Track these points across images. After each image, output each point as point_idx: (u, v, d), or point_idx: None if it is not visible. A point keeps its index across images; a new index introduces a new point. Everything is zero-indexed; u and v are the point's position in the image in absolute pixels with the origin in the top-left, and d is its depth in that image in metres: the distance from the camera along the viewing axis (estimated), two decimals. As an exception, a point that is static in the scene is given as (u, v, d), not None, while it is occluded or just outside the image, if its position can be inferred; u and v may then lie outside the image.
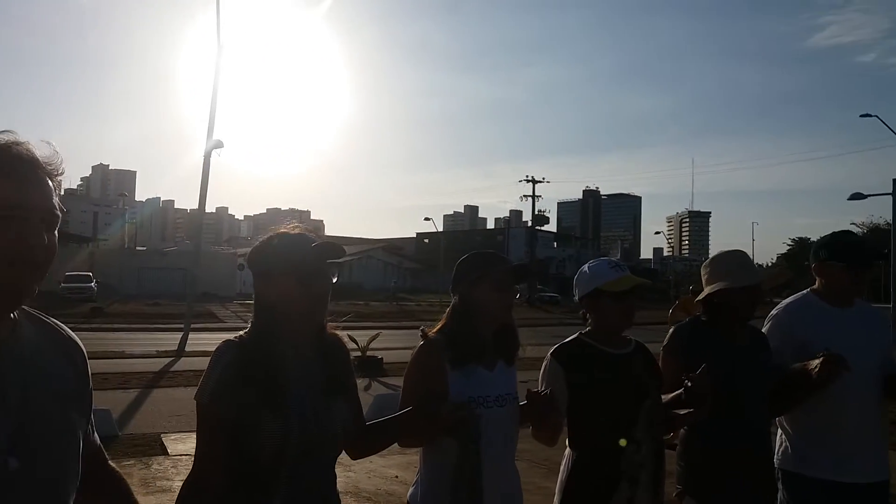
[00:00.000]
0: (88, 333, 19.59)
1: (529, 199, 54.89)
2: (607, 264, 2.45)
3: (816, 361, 2.45)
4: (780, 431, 2.84)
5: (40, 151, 1.17)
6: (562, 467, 2.40)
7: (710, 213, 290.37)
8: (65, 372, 1.27)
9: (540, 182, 55.12)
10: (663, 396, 2.47)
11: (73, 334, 1.35)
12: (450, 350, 2.11)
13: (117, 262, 46.02)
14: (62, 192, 1.22)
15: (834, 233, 2.89)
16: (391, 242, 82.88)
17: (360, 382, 11.08)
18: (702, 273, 2.77)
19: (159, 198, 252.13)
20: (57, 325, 1.33)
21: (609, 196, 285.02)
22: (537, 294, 48.59)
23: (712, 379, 2.28)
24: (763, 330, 2.80)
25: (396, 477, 5.77)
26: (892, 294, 25.03)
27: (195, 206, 18.71)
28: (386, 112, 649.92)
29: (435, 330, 2.20)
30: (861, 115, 26.19)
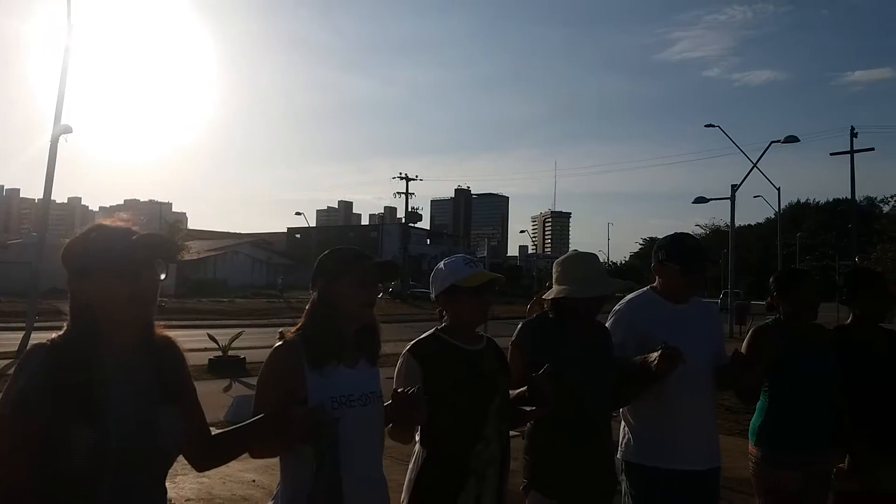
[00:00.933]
0: None
1: (403, 196, 55.17)
2: (462, 261, 2.48)
3: (655, 354, 2.57)
4: (622, 423, 2.99)
5: None
6: (410, 465, 2.39)
7: (570, 213, 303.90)
8: None
9: (414, 180, 55.49)
10: (510, 392, 2.53)
11: None
12: (307, 350, 2.02)
13: (-53, 255, 41.38)
14: None
15: (672, 235, 3.04)
16: (260, 237, 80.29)
17: (221, 383, 10.82)
18: (553, 271, 2.85)
19: (2, 186, 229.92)
20: None
21: (479, 195, 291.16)
22: (409, 290, 48.90)
23: (556, 375, 2.35)
24: (607, 325, 2.95)
25: (253, 481, 5.57)
26: (729, 289, 27.47)
27: (43, 195, 17.16)
28: (260, 105, 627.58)
29: (294, 330, 2.11)
30: (706, 125, 28.14)
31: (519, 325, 2.82)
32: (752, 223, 79.62)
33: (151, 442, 1.61)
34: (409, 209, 56.23)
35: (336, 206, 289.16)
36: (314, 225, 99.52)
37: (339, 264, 2.12)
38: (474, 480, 2.30)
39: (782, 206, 43.53)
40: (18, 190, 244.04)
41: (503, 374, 2.47)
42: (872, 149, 35.60)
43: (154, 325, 1.73)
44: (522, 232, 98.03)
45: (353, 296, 2.08)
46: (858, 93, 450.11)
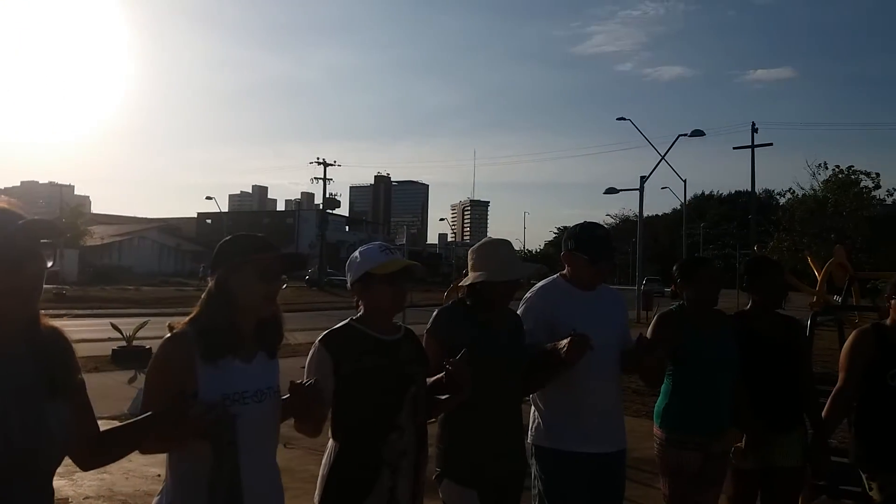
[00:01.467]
0: None
1: (321, 181, 54.26)
2: (378, 248, 2.43)
3: (565, 341, 2.62)
4: (532, 409, 3.03)
5: None
6: (324, 460, 2.34)
7: (489, 202, 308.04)
8: None
9: (332, 165, 54.63)
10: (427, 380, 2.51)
11: None
12: (200, 342, 1.91)
13: None
14: None
15: (580, 225, 3.09)
16: (168, 222, 77.16)
17: (125, 375, 10.36)
18: (469, 258, 2.84)
19: None
20: None
21: (399, 182, 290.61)
22: (326, 277, 48.28)
23: (470, 362, 2.35)
24: (518, 312, 2.97)
25: (159, 475, 5.32)
26: (638, 276, 28.56)
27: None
28: (170, 84, 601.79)
29: (186, 320, 2.00)
30: (617, 119, 29.10)
31: (434, 313, 2.81)
32: (660, 213, 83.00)
33: (36, 442, 1.50)
34: (328, 195, 55.39)
35: (250, 191, 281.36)
36: (226, 210, 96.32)
37: (240, 254, 2.01)
38: (388, 472, 2.27)
39: (688, 198, 45.64)
40: None
41: (420, 364, 2.44)
42: (771, 144, 37.78)
43: (39, 315, 1.60)
44: (442, 220, 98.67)
45: (253, 288, 1.97)
46: (761, 90, 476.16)
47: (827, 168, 35.82)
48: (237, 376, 1.95)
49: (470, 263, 2.83)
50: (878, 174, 34.78)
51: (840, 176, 35.12)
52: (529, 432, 3.00)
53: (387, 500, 2.27)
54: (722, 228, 70.86)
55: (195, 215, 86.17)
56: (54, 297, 25.61)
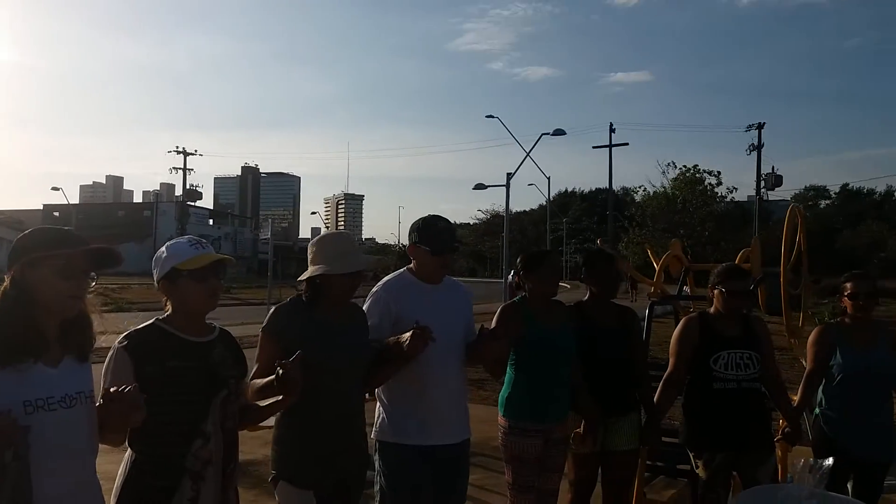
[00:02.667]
0: None
1: (181, 171, 51.48)
2: (187, 242, 2.27)
3: (407, 334, 2.60)
4: (377, 404, 2.98)
5: None
6: (119, 470, 2.17)
7: (363, 196, 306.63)
8: None
9: (192, 154, 51.95)
10: (255, 382, 2.41)
11: None
12: None
13: None
14: None
15: (424, 218, 3.07)
16: (9, 215, 70.34)
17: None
18: (308, 252, 2.75)
19: None
20: None
21: (269, 174, 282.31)
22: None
23: (309, 359, 2.27)
24: (364, 307, 2.93)
25: None
26: (503, 269, 29.41)
27: None
28: (14, 63, 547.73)
29: None
30: (486, 116, 29.71)
31: (271, 310, 2.70)
32: (528, 209, 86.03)
33: None
34: (189, 186, 52.67)
35: (103, 182, 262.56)
36: (77, 202, 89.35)
37: (38, 248, 1.82)
38: (189, 482, 2.12)
39: (552, 194, 47.66)
40: None
41: (235, 367, 2.29)
42: (627, 143, 40.23)
43: None
44: (314, 213, 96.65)
45: (53, 286, 1.79)
46: (620, 93, 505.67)
47: (675, 167, 38.80)
48: (41, 381, 1.76)
49: (309, 257, 2.73)
50: (719, 172, 38.18)
51: (687, 174, 38.16)
52: (374, 427, 2.96)
53: None
54: (583, 223, 74.55)
55: (41, 207, 79.18)
56: None
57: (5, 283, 1.82)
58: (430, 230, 2.98)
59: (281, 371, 2.21)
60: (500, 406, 3.38)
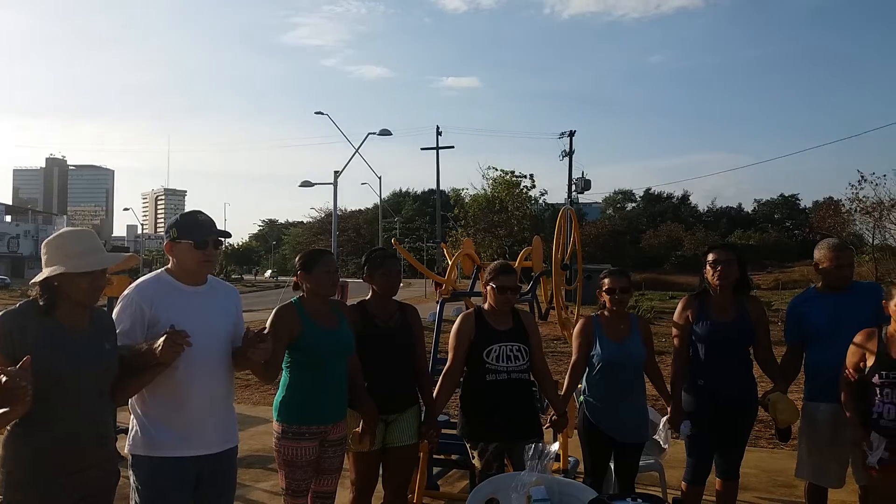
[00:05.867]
0: None
1: (-33, 162, 45.62)
2: None
3: (161, 339, 2.47)
4: (131, 415, 2.80)
5: None
6: None
7: (186, 191, 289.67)
8: None
9: (-18, 142, 46.30)
10: None
11: None
12: None
13: None
14: None
15: (182, 213, 2.96)
16: None
17: None
18: (42, 253, 2.51)
19: None
20: None
21: (78, 167, 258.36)
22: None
23: (41, 369, 2.11)
24: (114, 312, 2.73)
25: None
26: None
27: None
28: None
29: None
30: (316, 112, 29.12)
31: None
32: (363, 208, 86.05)
33: None
34: (-23, 179, 46.75)
35: None
36: None
37: None
38: None
39: (386, 194, 47.99)
40: None
41: None
42: (453, 146, 41.52)
43: None
44: (126, 210, 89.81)
45: None
46: (452, 97, 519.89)
47: (496, 170, 40.77)
48: None
49: (44, 259, 2.48)
50: (532, 175, 40.68)
51: (505, 177, 40.27)
52: (127, 441, 2.76)
53: None
54: (416, 223, 75.83)
55: None
56: None
57: None
58: (191, 223, 2.84)
59: (4, 379, 2.01)
60: (275, 410, 3.31)
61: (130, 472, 2.74)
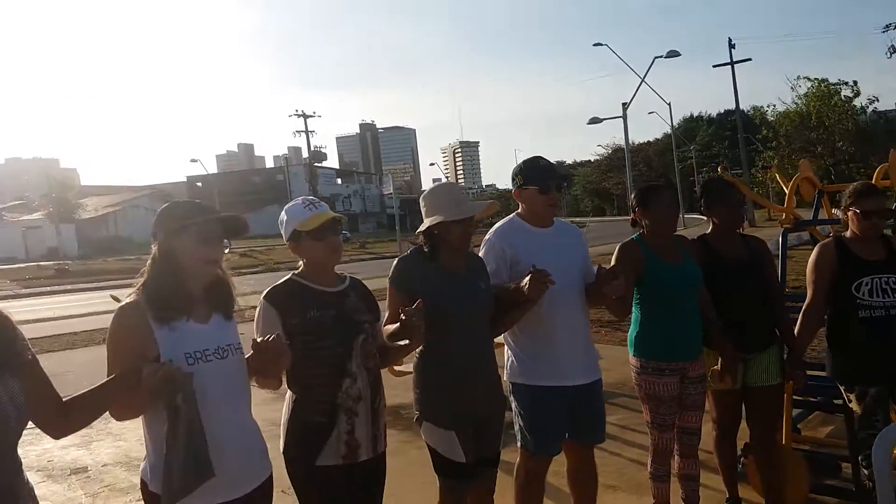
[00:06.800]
0: None
1: (304, 134, 53.61)
2: (301, 204, 2.48)
3: (526, 279, 2.67)
4: (506, 347, 3.10)
5: None
6: (283, 409, 2.45)
7: (478, 142, 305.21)
8: None
9: (312, 117, 53.89)
10: (387, 328, 2.58)
11: None
12: (151, 307, 1.97)
13: None
14: None
15: (525, 160, 3.10)
16: (159, 189, 76.54)
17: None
18: (421, 206, 2.85)
19: None
20: None
21: (386, 129, 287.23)
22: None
23: (430, 307, 2.42)
24: (480, 254, 3.01)
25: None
26: (630, 208, 28.50)
27: None
28: (130, 44, 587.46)
29: (136, 288, 2.04)
30: (594, 44, 27.90)
31: (394, 263, 2.83)
32: (652, 139, 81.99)
33: None
34: (313, 148, 54.80)
35: (236, 150, 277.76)
36: (214, 171, 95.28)
37: (179, 219, 2.05)
38: (344, 417, 2.37)
39: (676, 121, 45.15)
40: None
41: (368, 312, 2.51)
42: (750, 59, 37.18)
43: None
44: (432, 165, 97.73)
45: (193, 251, 2.02)
46: (738, 3, 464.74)
47: (808, 80, 35.21)
48: (195, 336, 2.00)
49: (423, 211, 2.84)
50: (856, 82, 34.26)
51: (821, 87, 34.58)
52: (505, 370, 3.07)
53: (346, 443, 2.37)
54: (713, 150, 70.31)
55: (184, 179, 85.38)
56: (56, 273, 25.62)
57: (153, 252, 2.07)
58: (534, 170, 3.03)
59: (404, 317, 2.40)
60: (630, 345, 3.37)
61: (512, 399, 3.05)
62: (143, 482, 2.03)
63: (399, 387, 4.66)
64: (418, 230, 2.83)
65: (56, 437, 1.90)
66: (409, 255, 2.84)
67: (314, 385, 2.38)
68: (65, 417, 1.84)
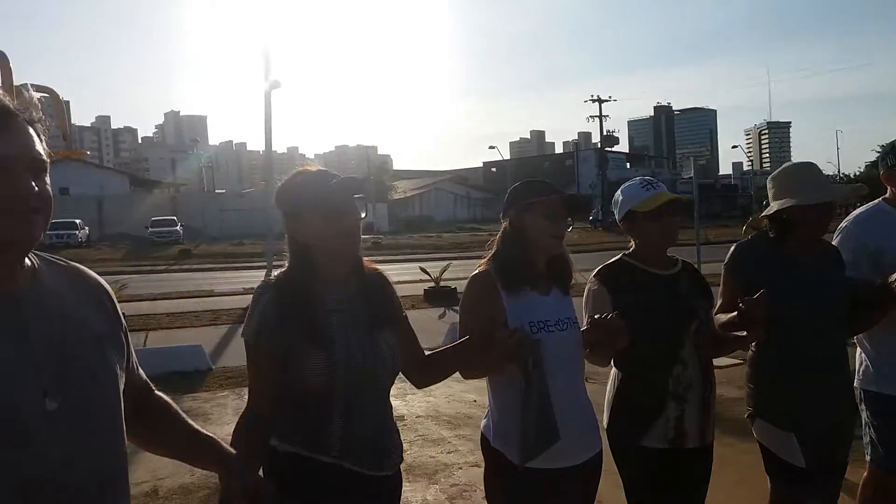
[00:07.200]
0: (179, 274, 20.64)
1: (597, 119, 53.34)
2: (639, 184, 2.42)
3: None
4: (859, 350, 2.77)
5: (16, 99, 1.14)
6: (609, 386, 2.44)
7: (790, 122, 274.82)
8: (94, 314, 1.28)
9: (607, 101, 53.39)
10: (720, 317, 2.44)
11: (98, 277, 1.35)
12: (501, 276, 2.10)
13: (199, 206, 47.32)
14: (47, 138, 1.18)
15: (892, 141, 2.71)
16: (458, 174, 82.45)
17: (436, 311, 11.50)
18: (768, 187, 2.62)
19: (231, 141, 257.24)
20: (80, 269, 1.33)
21: (682, 111, 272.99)
22: (611, 217, 47.74)
23: (772, 300, 2.20)
24: (833, 243, 2.69)
25: (475, 401, 5.99)
26: None
27: (265, 146, 19.00)
28: (431, 45, 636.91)
29: (486, 259, 2.18)
30: None
31: (732, 248, 2.65)
32: None
33: (372, 361, 1.78)
34: (605, 132, 54.28)
35: (528, 137, 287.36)
36: (508, 158, 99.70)
37: (529, 196, 2.15)
38: (673, 403, 2.30)
39: None
40: (245, 143, 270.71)
41: (701, 298, 2.41)
42: None
43: (363, 259, 1.87)
44: (735, 147, 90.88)
45: (541, 227, 2.11)
46: None
47: None
48: (538, 306, 2.10)
49: (771, 193, 2.60)
50: None
51: None
52: (857, 375, 2.75)
53: (674, 429, 2.30)
54: None
55: (480, 165, 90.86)
56: (372, 246, 29.24)
57: (504, 226, 2.20)
58: None
59: (742, 307, 2.20)
60: None
61: (863, 407, 2.74)
62: (483, 437, 2.19)
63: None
64: (764, 213, 2.60)
65: (419, 385, 2.12)
66: (749, 241, 2.67)
67: (643, 368, 2.34)
68: (427, 370, 2.04)
